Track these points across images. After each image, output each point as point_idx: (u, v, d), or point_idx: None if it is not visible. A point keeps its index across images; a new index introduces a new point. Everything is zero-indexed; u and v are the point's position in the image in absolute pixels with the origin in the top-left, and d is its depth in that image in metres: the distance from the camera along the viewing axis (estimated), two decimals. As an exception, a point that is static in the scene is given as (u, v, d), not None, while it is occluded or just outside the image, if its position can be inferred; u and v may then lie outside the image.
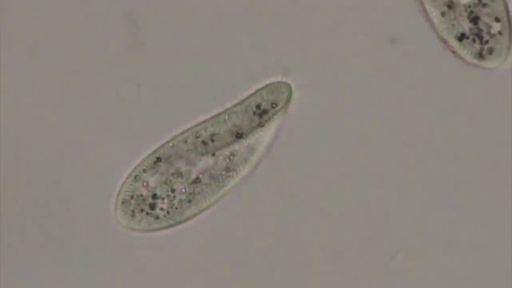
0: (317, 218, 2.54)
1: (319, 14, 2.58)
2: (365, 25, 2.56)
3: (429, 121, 2.55)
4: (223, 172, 2.51)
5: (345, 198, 2.54)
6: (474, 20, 2.47)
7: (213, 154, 2.51)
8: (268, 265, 2.53)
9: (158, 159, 2.52)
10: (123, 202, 2.51)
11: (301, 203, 2.54)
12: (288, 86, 2.53)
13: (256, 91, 2.54)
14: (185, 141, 2.52)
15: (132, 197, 2.52)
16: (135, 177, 2.52)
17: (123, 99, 2.57)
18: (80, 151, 2.55)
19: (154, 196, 2.51)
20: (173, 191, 2.51)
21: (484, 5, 2.48)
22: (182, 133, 2.53)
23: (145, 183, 2.51)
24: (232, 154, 2.51)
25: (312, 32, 2.57)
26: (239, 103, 2.53)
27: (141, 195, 2.52)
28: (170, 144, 2.52)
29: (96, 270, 2.54)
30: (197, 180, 2.51)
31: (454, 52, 2.51)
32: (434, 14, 2.51)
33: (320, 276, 2.54)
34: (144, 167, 2.52)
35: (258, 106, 2.50)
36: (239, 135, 2.50)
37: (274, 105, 2.51)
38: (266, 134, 2.53)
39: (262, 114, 2.52)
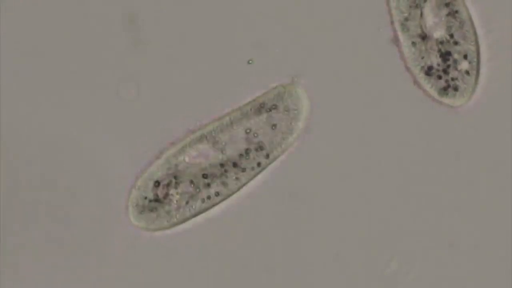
0: (316, 217, 2.54)
1: (322, 15, 2.58)
2: (367, 26, 2.56)
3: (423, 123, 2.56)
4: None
5: (344, 198, 2.54)
6: (444, 56, 2.47)
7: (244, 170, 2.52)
8: (266, 266, 2.53)
9: (176, 177, 2.52)
10: (135, 205, 2.52)
11: (299, 204, 2.54)
12: (291, 88, 2.53)
13: (264, 94, 2.54)
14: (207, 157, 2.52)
15: (145, 198, 2.52)
16: (147, 183, 2.52)
17: (123, 99, 2.57)
18: (80, 151, 2.55)
19: (165, 196, 2.52)
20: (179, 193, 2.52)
21: (456, 43, 2.48)
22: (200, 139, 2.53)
23: (157, 184, 2.52)
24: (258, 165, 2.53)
25: (317, 35, 2.57)
26: (246, 105, 2.53)
27: (150, 197, 2.52)
28: (186, 160, 2.52)
29: (105, 270, 2.54)
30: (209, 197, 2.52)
31: (415, 82, 2.51)
32: (406, 43, 2.51)
33: (320, 277, 2.54)
34: (157, 179, 2.52)
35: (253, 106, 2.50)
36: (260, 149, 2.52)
37: (274, 107, 2.51)
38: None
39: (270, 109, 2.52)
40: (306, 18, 2.57)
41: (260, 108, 2.52)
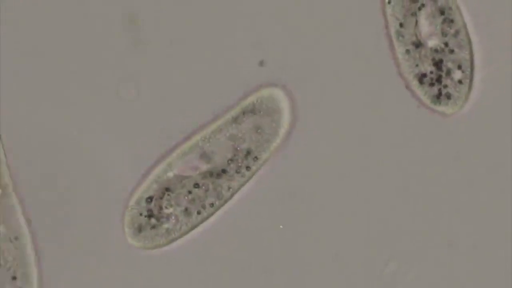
0: (315, 218, 2.54)
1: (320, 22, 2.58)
2: (361, 32, 2.57)
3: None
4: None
5: (343, 199, 2.55)
6: (437, 64, 2.47)
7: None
8: (264, 268, 2.54)
9: (167, 190, 2.52)
10: (131, 226, 2.52)
11: (298, 204, 2.54)
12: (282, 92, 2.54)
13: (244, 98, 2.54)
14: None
15: (140, 214, 2.52)
16: (138, 202, 2.52)
17: (123, 99, 2.57)
18: (80, 151, 2.55)
19: (159, 211, 2.51)
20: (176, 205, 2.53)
21: (451, 51, 2.49)
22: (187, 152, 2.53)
23: (149, 200, 2.51)
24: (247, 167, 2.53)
25: (311, 39, 2.57)
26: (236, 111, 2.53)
27: (145, 213, 2.52)
28: (175, 173, 2.52)
29: (104, 270, 2.54)
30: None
31: (407, 87, 2.52)
32: (399, 50, 2.51)
33: (319, 278, 2.54)
34: (150, 195, 2.52)
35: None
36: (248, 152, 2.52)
37: (258, 111, 2.52)
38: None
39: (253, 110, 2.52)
40: (301, 22, 2.57)
41: (243, 113, 2.52)
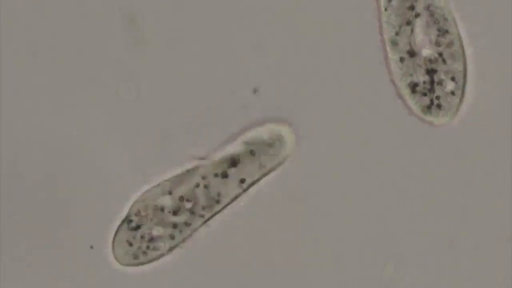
0: (313, 220, 2.54)
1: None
2: (355, 40, 2.56)
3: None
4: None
5: (340, 201, 2.55)
6: (430, 73, 2.47)
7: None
8: (264, 270, 2.54)
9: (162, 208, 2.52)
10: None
11: (297, 206, 2.55)
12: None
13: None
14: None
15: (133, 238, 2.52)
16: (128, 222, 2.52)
17: (123, 99, 2.57)
18: (80, 151, 2.55)
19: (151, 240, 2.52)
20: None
21: (445, 61, 2.48)
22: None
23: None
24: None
25: (304, 45, 2.57)
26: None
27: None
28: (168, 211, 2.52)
29: (104, 271, 2.55)
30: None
31: (398, 95, 2.51)
32: (394, 57, 2.51)
33: (319, 282, 2.54)
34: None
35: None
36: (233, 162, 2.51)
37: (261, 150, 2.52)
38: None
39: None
40: (296, 28, 2.56)
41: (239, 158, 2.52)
